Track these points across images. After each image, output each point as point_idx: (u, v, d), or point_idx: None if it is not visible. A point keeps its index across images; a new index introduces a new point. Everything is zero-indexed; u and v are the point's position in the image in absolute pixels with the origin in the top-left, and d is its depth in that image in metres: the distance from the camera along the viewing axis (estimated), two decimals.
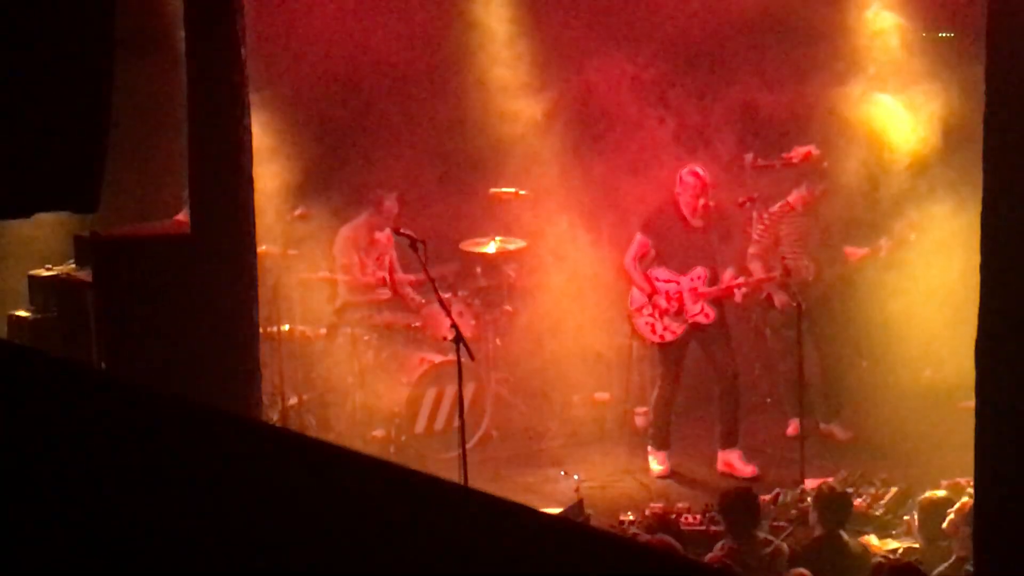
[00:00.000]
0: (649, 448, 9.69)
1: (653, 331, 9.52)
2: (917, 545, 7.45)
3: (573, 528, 2.52)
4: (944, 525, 7.03)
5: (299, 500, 2.22)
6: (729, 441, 9.53)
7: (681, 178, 9.41)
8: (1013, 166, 5.43)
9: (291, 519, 2.19)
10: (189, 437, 2.38)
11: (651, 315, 9.48)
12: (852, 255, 9.93)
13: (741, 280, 9.55)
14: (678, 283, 9.44)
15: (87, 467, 2.28)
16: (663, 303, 9.45)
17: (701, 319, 9.42)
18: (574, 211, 11.18)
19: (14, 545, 2.13)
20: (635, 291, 9.59)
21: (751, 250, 9.87)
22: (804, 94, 10.68)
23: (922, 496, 7.61)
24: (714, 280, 9.48)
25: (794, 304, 9.24)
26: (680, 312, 9.42)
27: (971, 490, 6.46)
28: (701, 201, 9.32)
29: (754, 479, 9.21)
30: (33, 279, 10.04)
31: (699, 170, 9.44)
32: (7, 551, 2.12)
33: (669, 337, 9.48)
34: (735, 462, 9.46)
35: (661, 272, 9.51)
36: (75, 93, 4.44)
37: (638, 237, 9.53)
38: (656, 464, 9.60)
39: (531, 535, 2.20)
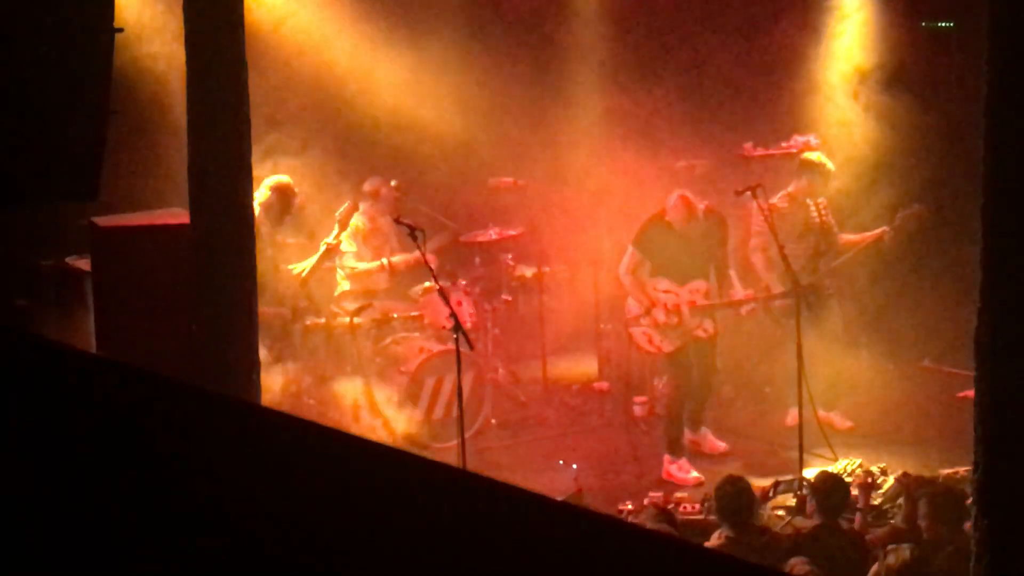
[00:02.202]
0: (668, 458, 9.27)
1: (650, 342, 9.29)
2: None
3: (576, 513, 2.52)
4: (966, 527, 7.00)
5: (303, 484, 2.22)
6: (697, 423, 9.58)
7: (670, 203, 9.12)
8: (1014, 157, 5.42)
9: (295, 504, 2.19)
10: (188, 421, 2.38)
11: (648, 325, 9.24)
12: (854, 243, 9.89)
13: (749, 294, 9.46)
14: (677, 295, 9.19)
15: (86, 452, 2.28)
16: (661, 317, 9.19)
17: (700, 333, 9.24)
18: (571, 199, 11.18)
19: (14, 531, 2.13)
20: (631, 301, 9.37)
21: (752, 242, 9.79)
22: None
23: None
24: (719, 289, 9.31)
25: (793, 293, 9.22)
26: (678, 325, 9.19)
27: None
28: (691, 221, 9.03)
29: (725, 455, 9.45)
30: (32, 267, 10.02)
31: (688, 194, 9.16)
32: (7, 537, 2.12)
33: (667, 348, 9.28)
34: (708, 438, 9.59)
35: (661, 283, 9.23)
36: (75, 85, 4.45)
37: (630, 250, 9.27)
38: (683, 474, 9.14)
39: (535, 520, 2.21)
